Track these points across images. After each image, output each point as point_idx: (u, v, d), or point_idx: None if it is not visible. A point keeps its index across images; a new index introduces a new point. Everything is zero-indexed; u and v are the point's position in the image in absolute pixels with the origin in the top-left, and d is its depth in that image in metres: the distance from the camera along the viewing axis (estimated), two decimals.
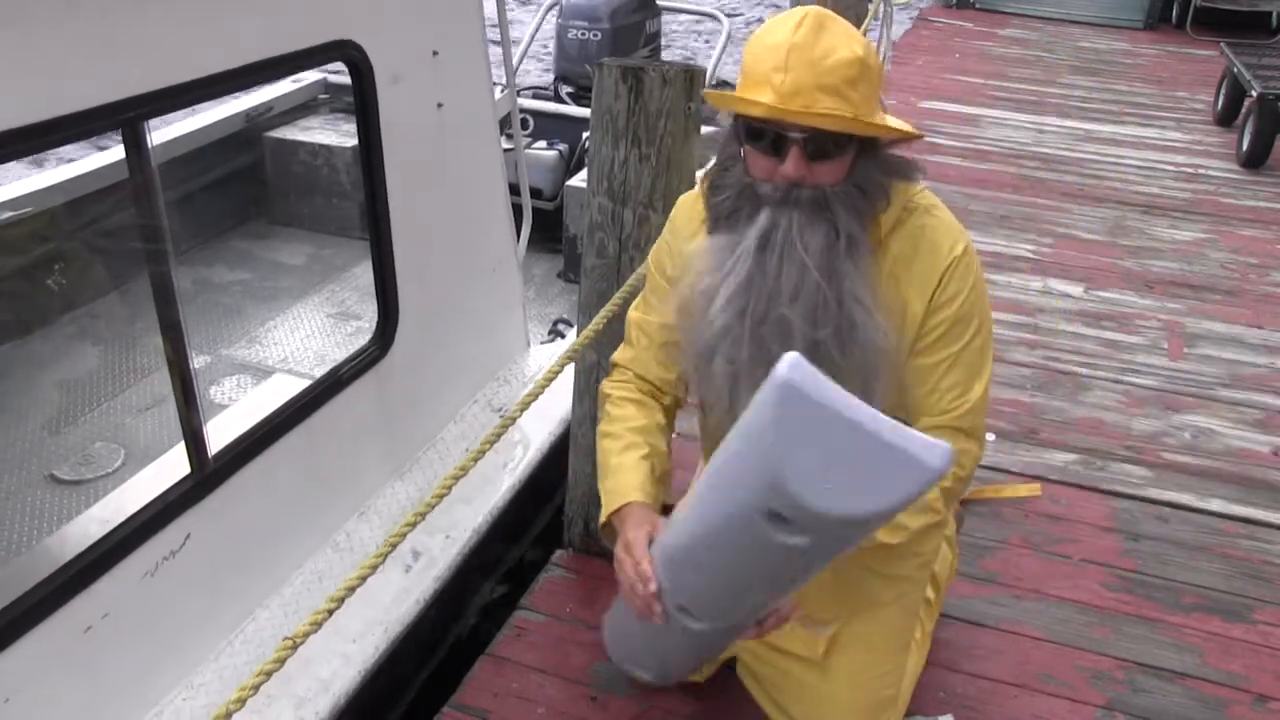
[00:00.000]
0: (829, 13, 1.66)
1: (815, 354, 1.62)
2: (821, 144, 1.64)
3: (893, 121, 1.71)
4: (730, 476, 1.52)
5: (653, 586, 1.74)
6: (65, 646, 1.94)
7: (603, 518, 1.97)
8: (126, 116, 1.88)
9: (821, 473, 1.35)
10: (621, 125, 2.34)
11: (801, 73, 1.59)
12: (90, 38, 1.79)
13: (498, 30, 3.31)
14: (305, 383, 2.55)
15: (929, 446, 1.38)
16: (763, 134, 1.66)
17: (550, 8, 5.38)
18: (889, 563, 2.07)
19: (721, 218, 1.74)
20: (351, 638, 2.33)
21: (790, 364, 1.38)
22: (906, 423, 1.54)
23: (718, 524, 1.56)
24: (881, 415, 1.38)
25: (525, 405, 1.97)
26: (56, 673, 1.93)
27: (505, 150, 3.26)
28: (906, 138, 1.73)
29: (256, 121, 4.48)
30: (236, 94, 2.25)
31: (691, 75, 2.34)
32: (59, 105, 1.74)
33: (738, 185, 1.72)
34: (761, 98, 1.61)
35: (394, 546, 1.68)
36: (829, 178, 1.67)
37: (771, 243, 1.67)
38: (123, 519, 2.05)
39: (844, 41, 1.62)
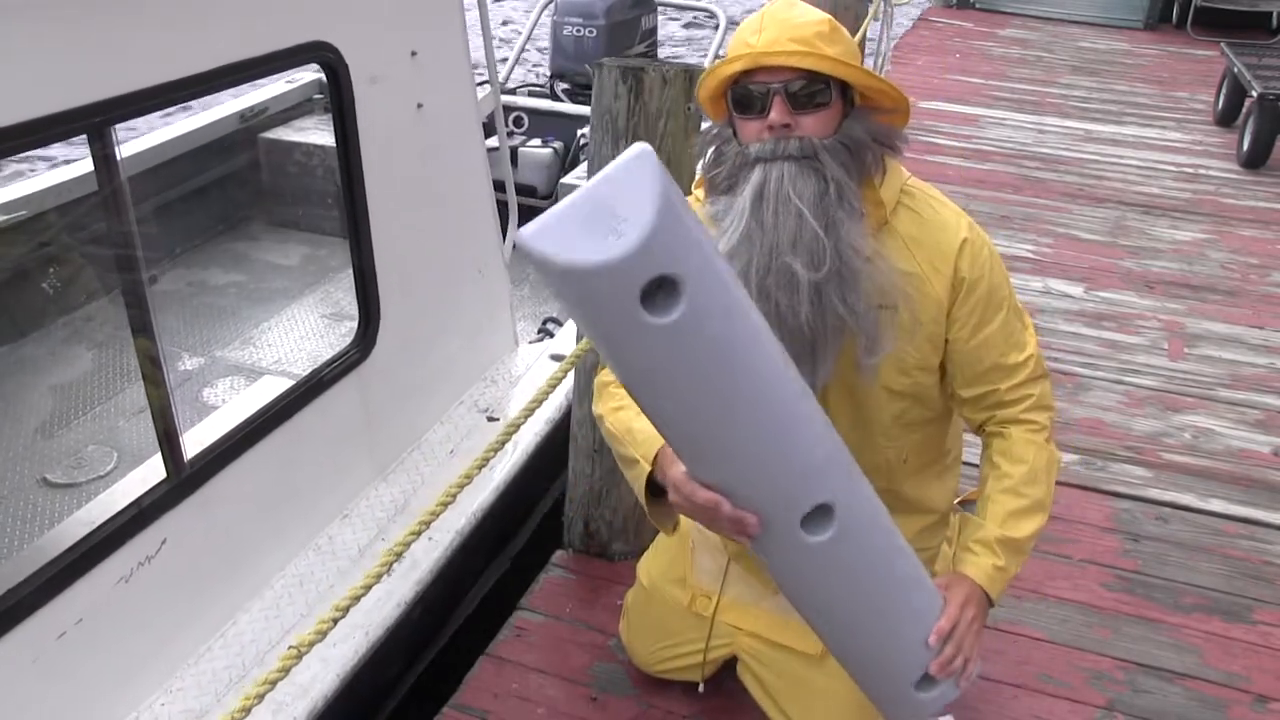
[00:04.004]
0: None
1: (819, 300, 1.69)
2: (802, 90, 1.71)
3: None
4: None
5: (725, 508, 1.57)
6: (38, 652, 1.91)
7: (646, 464, 1.82)
8: (92, 122, 1.84)
9: (603, 233, 1.25)
10: (621, 125, 2.33)
11: (776, 30, 1.72)
12: (55, 40, 1.76)
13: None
14: (285, 385, 2.53)
15: (629, 154, 1.30)
16: (748, 97, 1.74)
17: (546, 4, 5.37)
18: None
19: (720, 192, 1.80)
20: (331, 641, 2.28)
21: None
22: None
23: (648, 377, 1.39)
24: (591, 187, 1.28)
25: (529, 412, 1.95)
26: (29, 679, 1.91)
27: (491, 149, 3.24)
28: (884, 88, 1.77)
29: (251, 123, 4.47)
30: (207, 97, 2.22)
31: (691, 75, 2.33)
32: (22, 110, 1.71)
33: (732, 157, 1.78)
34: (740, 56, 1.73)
35: (398, 556, 1.66)
36: (814, 129, 1.72)
37: (765, 195, 1.71)
38: (97, 525, 2.02)
39: (815, 13, 1.76)
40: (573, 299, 1.32)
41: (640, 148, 1.32)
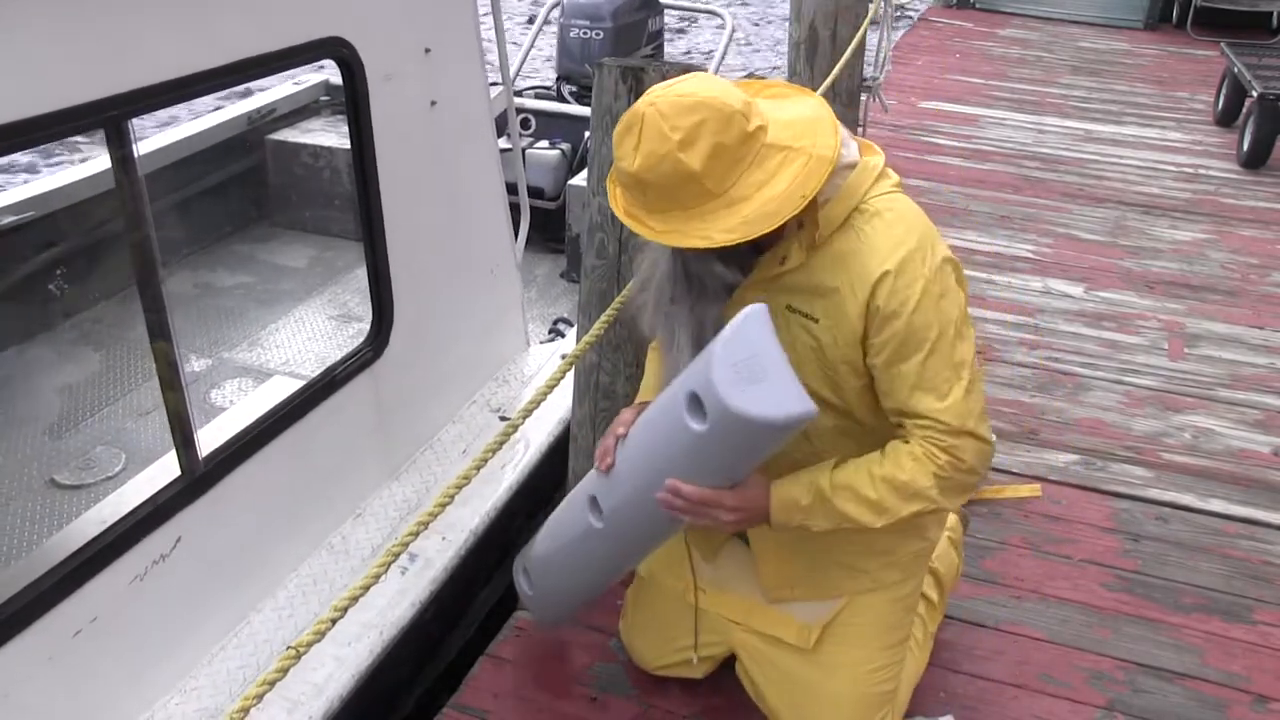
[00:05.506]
0: (650, 106, 1.71)
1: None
2: None
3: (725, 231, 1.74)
4: (687, 371, 1.85)
5: (610, 440, 2.01)
6: (53, 651, 1.92)
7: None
8: (110, 115, 1.85)
9: (736, 374, 1.71)
10: None
11: (630, 182, 1.78)
12: (72, 34, 1.77)
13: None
14: (299, 384, 2.54)
15: (804, 397, 1.72)
16: None
17: (553, 7, 5.38)
18: (850, 553, 2.08)
19: None
20: (346, 641, 2.30)
21: (757, 308, 1.77)
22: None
23: (661, 403, 1.92)
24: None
25: (528, 411, 1.97)
26: (44, 678, 1.92)
27: (503, 150, 3.25)
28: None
29: (259, 124, 4.48)
30: (222, 91, 2.23)
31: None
32: (40, 103, 1.72)
33: None
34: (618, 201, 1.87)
35: (396, 556, 1.68)
36: None
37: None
38: (111, 523, 2.03)
39: (631, 153, 1.73)
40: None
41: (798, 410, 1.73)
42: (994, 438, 1.93)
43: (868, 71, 5.51)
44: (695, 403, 1.77)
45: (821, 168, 1.73)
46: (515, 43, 7.82)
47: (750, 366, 1.71)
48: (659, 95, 1.71)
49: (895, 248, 1.80)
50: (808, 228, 1.82)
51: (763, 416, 1.70)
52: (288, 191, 4.53)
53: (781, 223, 1.72)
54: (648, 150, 1.70)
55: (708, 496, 1.87)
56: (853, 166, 1.84)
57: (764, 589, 2.18)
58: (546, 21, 5.51)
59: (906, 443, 1.87)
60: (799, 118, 1.80)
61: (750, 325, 1.75)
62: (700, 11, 6.98)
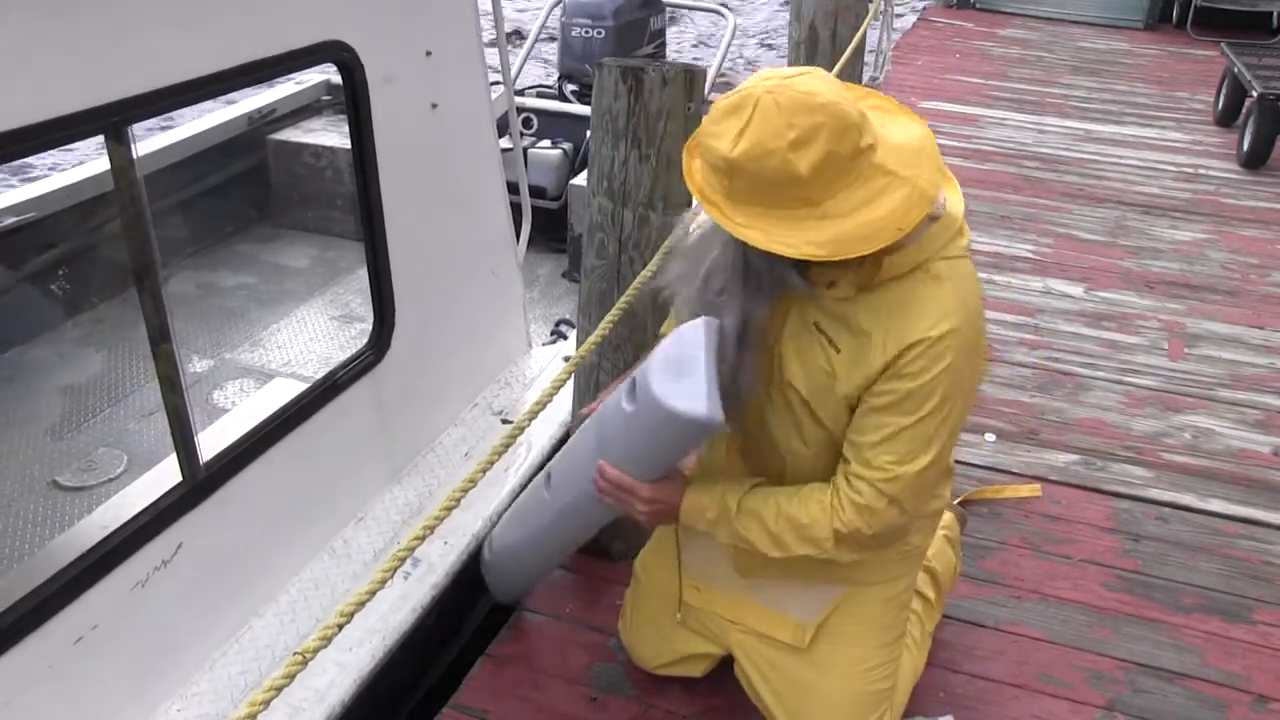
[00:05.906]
0: (769, 94, 1.62)
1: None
2: None
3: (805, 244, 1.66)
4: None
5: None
6: (54, 659, 1.91)
7: None
8: (110, 121, 1.84)
9: (668, 367, 1.83)
10: (621, 125, 2.34)
11: (736, 174, 1.67)
12: (72, 40, 1.76)
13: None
14: (300, 387, 2.53)
15: (715, 404, 1.81)
16: None
17: (555, 5, 5.39)
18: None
19: None
20: (348, 646, 2.29)
21: (712, 321, 1.87)
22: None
23: (620, 388, 2.02)
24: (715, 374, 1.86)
25: (533, 414, 1.97)
26: (45, 686, 1.90)
27: (504, 150, 3.25)
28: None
29: (260, 124, 4.49)
30: (223, 96, 2.22)
31: (691, 75, 2.34)
32: (40, 110, 1.71)
33: None
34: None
35: (402, 560, 1.67)
36: None
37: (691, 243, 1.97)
38: (112, 529, 2.02)
39: (733, 137, 1.63)
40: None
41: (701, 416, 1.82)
42: (922, 516, 2.05)
43: (868, 71, 5.51)
44: (632, 386, 1.90)
45: (923, 204, 1.67)
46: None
47: (683, 364, 1.83)
48: (778, 85, 1.61)
49: (940, 320, 1.76)
50: (868, 265, 1.76)
51: (672, 407, 1.81)
52: (289, 191, 4.53)
53: (874, 250, 1.67)
54: (755, 140, 1.61)
55: (625, 482, 1.95)
56: (936, 218, 1.79)
57: (735, 567, 2.17)
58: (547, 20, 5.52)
59: (824, 490, 1.89)
60: (907, 143, 1.74)
61: (698, 330, 1.86)
62: (702, 10, 6.99)
